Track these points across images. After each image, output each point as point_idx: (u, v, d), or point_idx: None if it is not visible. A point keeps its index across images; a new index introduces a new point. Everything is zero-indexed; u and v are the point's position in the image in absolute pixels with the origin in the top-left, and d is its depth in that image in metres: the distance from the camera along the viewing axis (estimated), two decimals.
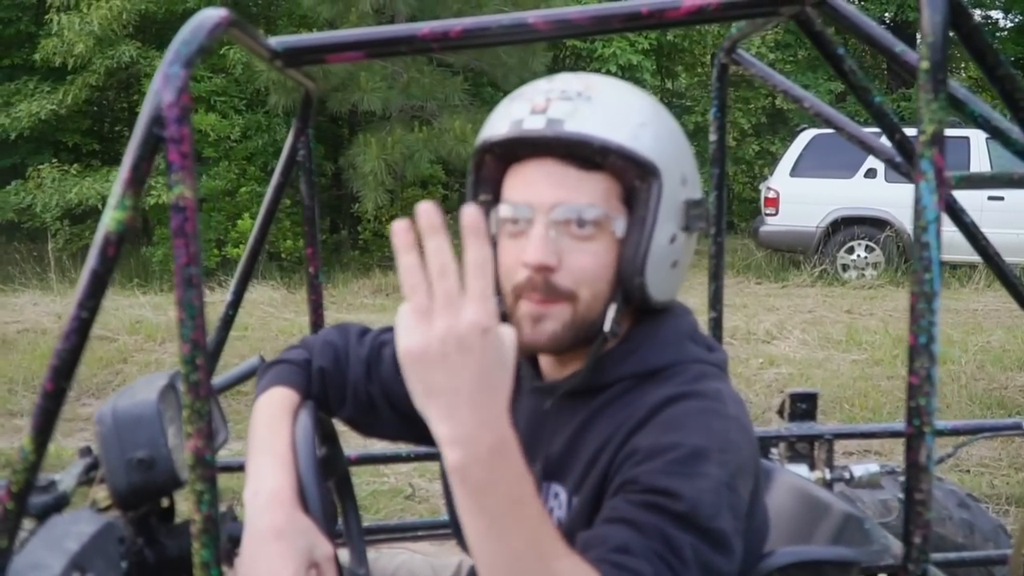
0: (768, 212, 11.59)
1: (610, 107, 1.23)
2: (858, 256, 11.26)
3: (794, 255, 11.92)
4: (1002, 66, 1.23)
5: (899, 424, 2.27)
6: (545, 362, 1.38)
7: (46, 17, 12.98)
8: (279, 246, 11.98)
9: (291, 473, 1.34)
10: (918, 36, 1.09)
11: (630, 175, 1.22)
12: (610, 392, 1.29)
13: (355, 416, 1.58)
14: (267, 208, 1.90)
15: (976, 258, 8.01)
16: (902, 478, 2.07)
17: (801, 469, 2.07)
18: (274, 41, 1.44)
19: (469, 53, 13.04)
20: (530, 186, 1.24)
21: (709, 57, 19.02)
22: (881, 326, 8.29)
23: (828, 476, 2.07)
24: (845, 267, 11.40)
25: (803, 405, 2.17)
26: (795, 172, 11.15)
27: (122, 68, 13.02)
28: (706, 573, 1.09)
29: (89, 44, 12.42)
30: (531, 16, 1.42)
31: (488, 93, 14.06)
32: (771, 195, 11.54)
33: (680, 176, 1.26)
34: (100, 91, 13.81)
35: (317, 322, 2.01)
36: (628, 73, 15.16)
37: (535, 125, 1.21)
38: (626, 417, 1.24)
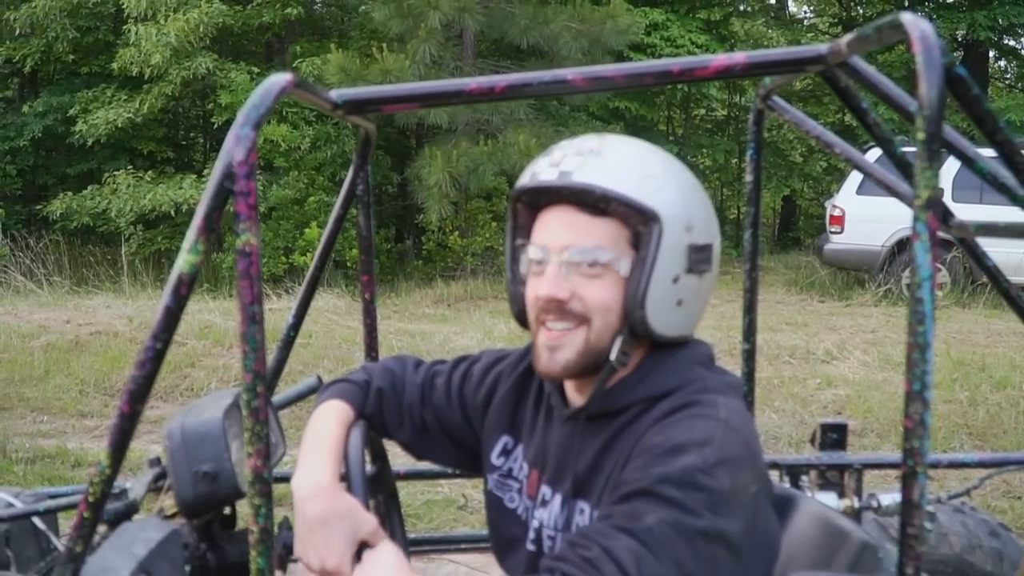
0: (833, 230, 11.47)
1: (616, 161, 1.38)
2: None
3: (859, 274, 11.78)
4: (1001, 131, 1.31)
5: (932, 454, 2.33)
6: (570, 392, 1.51)
7: (124, 28, 13.31)
8: (345, 255, 12.14)
9: (334, 465, 1.47)
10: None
11: (634, 220, 1.36)
12: (626, 415, 1.42)
13: (411, 439, 1.71)
14: (327, 238, 2.03)
15: None
16: (930, 508, 2.14)
17: (830, 497, 2.14)
18: (335, 94, 1.57)
19: (536, 66, 13.14)
20: (547, 230, 1.40)
21: None
22: (943, 348, 8.15)
23: (857, 504, 2.13)
24: (910, 287, 11.25)
25: (834, 435, 2.24)
26: (861, 190, 11.01)
27: (197, 79, 13.29)
28: (679, 535, 1.20)
29: (166, 55, 12.69)
30: (570, 73, 1.53)
31: (554, 108, 14.08)
32: (837, 213, 11.42)
33: (685, 223, 1.38)
34: (175, 100, 14.11)
35: (372, 344, 2.13)
36: (696, 88, 15.07)
37: (549, 177, 1.38)
38: (637, 435, 1.38)
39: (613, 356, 1.39)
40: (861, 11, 19.46)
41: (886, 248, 11.07)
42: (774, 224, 21.31)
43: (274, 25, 14.03)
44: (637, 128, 16.33)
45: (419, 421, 1.69)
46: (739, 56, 1.52)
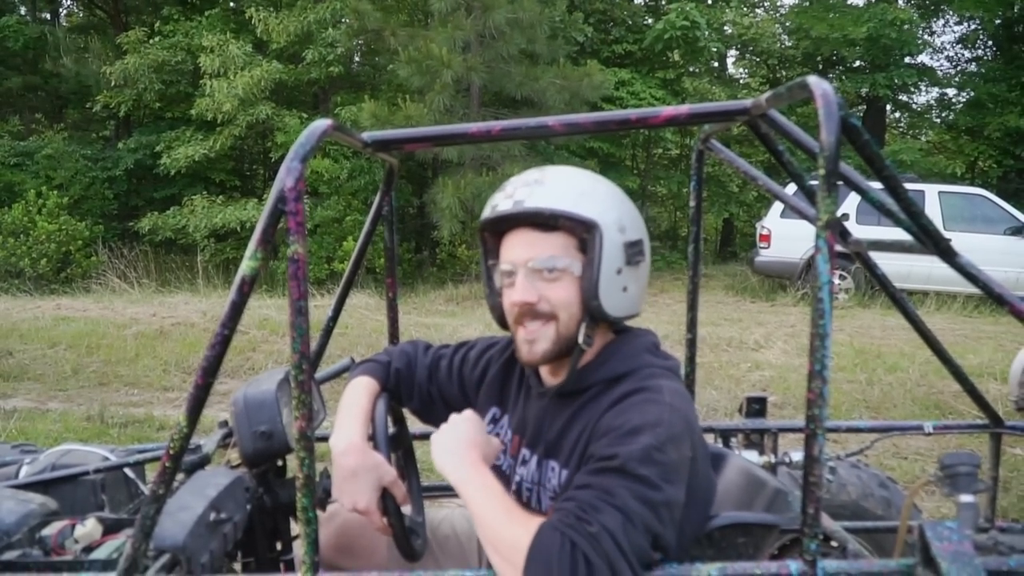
0: (762, 246, 11.49)
1: (556, 186, 1.41)
2: (834, 283, 11.14)
3: (782, 280, 11.80)
4: (887, 168, 1.33)
5: (830, 422, 2.34)
6: (544, 372, 1.53)
7: (201, 82, 13.26)
8: (375, 263, 12.13)
9: (363, 427, 1.50)
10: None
11: (578, 230, 1.39)
12: (588, 393, 1.44)
13: (420, 408, 1.74)
14: (359, 249, 2.04)
15: (929, 285, 7.91)
16: (831, 463, 2.15)
17: (753, 455, 2.15)
18: (366, 135, 1.59)
19: (528, 114, 13.14)
20: (511, 249, 1.43)
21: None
22: (847, 340, 8.18)
23: (773, 460, 2.13)
24: (812, 290, 11.27)
25: (756, 406, 2.25)
26: (784, 215, 11.02)
27: (259, 123, 13.24)
28: (646, 506, 1.22)
29: (234, 104, 12.68)
30: (550, 120, 1.56)
31: (542, 147, 14.08)
32: (765, 232, 11.44)
33: (618, 226, 1.40)
34: (241, 140, 14.03)
35: (394, 332, 2.14)
36: (655, 132, 15.05)
37: (506, 207, 1.41)
38: (598, 410, 1.39)
39: (581, 340, 1.41)
40: (785, 73, 19.50)
41: (803, 260, 11.10)
42: (716, 240, 21.27)
43: (320, 80, 14.00)
44: (608, 163, 16.30)
45: (426, 394, 1.71)
46: (683, 108, 1.54)
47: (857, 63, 17.67)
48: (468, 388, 1.69)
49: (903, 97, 19.17)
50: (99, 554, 1.44)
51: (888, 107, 19.41)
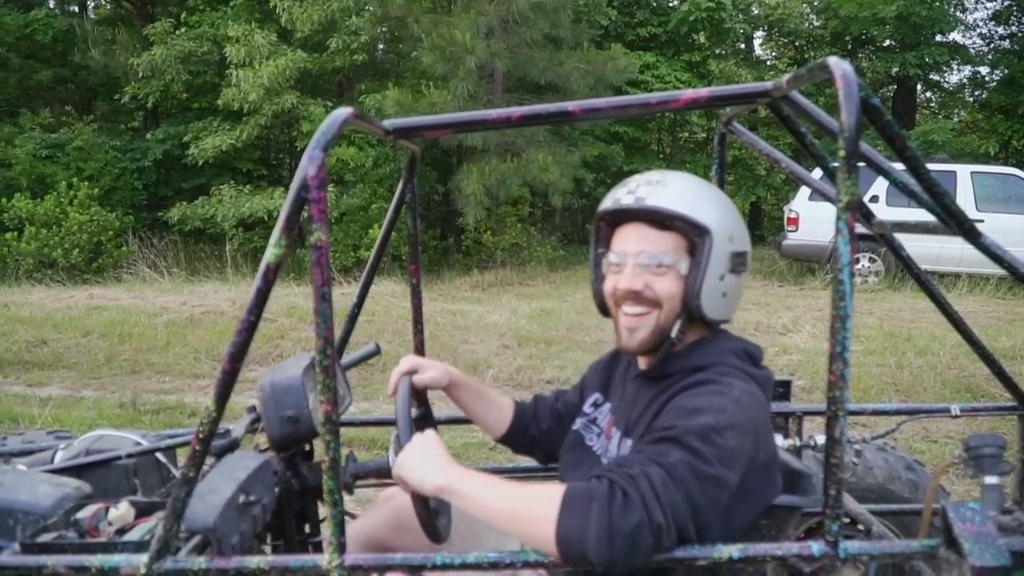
0: (790, 229, 11.38)
1: (678, 189, 1.49)
2: (863, 266, 10.98)
3: (810, 264, 11.68)
4: (908, 148, 1.32)
5: (855, 405, 2.33)
6: (640, 358, 1.59)
7: (226, 72, 13.34)
8: (400, 250, 12.17)
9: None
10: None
11: (691, 233, 1.46)
12: (670, 379, 1.50)
13: (552, 425, 1.85)
14: (382, 237, 2.06)
15: (960, 268, 7.78)
16: (856, 446, 2.14)
17: (778, 438, 2.14)
18: (387, 123, 1.60)
19: (552, 99, 13.09)
20: (625, 241, 1.51)
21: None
22: (878, 323, 8.08)
23: (798, 443, 2.13)
24: (833, 271, 11.15)
25: (780, 389, 2.24)
26: (813, 197, 10.90)
27: (284, 112, 13.29)
28: (693, 474, 1.26)
29: (260, 93, 12.73)
30: (570, 105, 1.55)
31: (566, 131, 14.03)
32: (792, 215, 11.32)
33: (728, 235, 1.47)
34: (267, 129, 14.08)
35: (418, 318, 2.15)
36: (680, 115, 14.91)
37: (628, 201, 1.49)
38: (670, 393, 1.45)
39: (674, 334, 1.48)
40: (812, 54, 19.21)
41: (832, 243, 10.99)
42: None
43: (344, 68, 14.03)
44: (633, 148, 16.22)
45: (555, 412, 1.86)
46: (703, 91, 1.53)
47: (887, 42, 17.37)
48: (586, 390, 1.79)
49: (934, 76, 18.81)
50: (132, 536, 1.47)
51: (919, 86, 19.08)
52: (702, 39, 16.87)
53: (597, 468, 1.33)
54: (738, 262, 1.48)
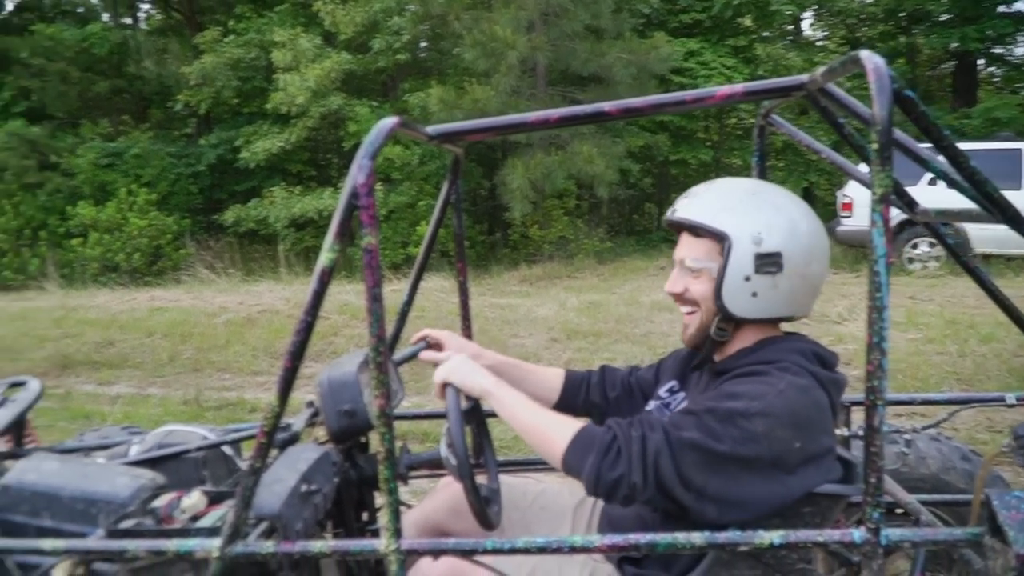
0: (844, 215, 11.15)
1: (705, 199, 1.59)
2: (922, 251, 10.73)
3: (865, 250, 11.45)
4: (945, 138, 1.34)
5: (902, 394, 2.33)
6: (716, 355, 1.68)
7: (274, 76, 13.65)
8: (448, 246, 12.29)
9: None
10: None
11: (718, 238, 1.54)
12: (735, 372, 1.56)
13: (620, 393, 1.95)
14: (429, 236, 2.13)
15: None
16: (907, 436, 2.14)
17: None
18: (430, 129, 1.67)
19: (595, 91, 13.07)
20: (677, 248, 1.66)
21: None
22: (938, 310, 7.89)
23: (847, 433, 2.14)
24: (911, 260, 10.86)
25: None
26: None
27: (331, 113, 13.55)
28: (694, 450, 1.40)
29: (307, 96, 13.01)
30: (607, 105, 1.60)
31: (610, 124, 13.97)
32: (847, 200, 11.10)
33: (753, 238, 1.52)
34: (315, 131, 14.34)
35: (466, 315, 2.23)
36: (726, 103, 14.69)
37: (669, 215, 1.64)
38: (728, 379, 1.54)
39: (712, 331, 1.59)
40: (865, 31, 18.77)
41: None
42: None
43: (388, 68, 14.22)
44: (679, 137, 16.07)
45: (627, 384, 1.94)
46: (738, 87, 1.56)
47: (944, 16, 16.85)
48: (662, 373, 1.89)
49: (997, 49, 18.16)
50: (205, 522, 1.58)
51: (980, 61, 18.47)
52: (748, 23, 16.64)
53: (618, 417, 1.52)
54: (764, 262, 1.51)
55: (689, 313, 1.63)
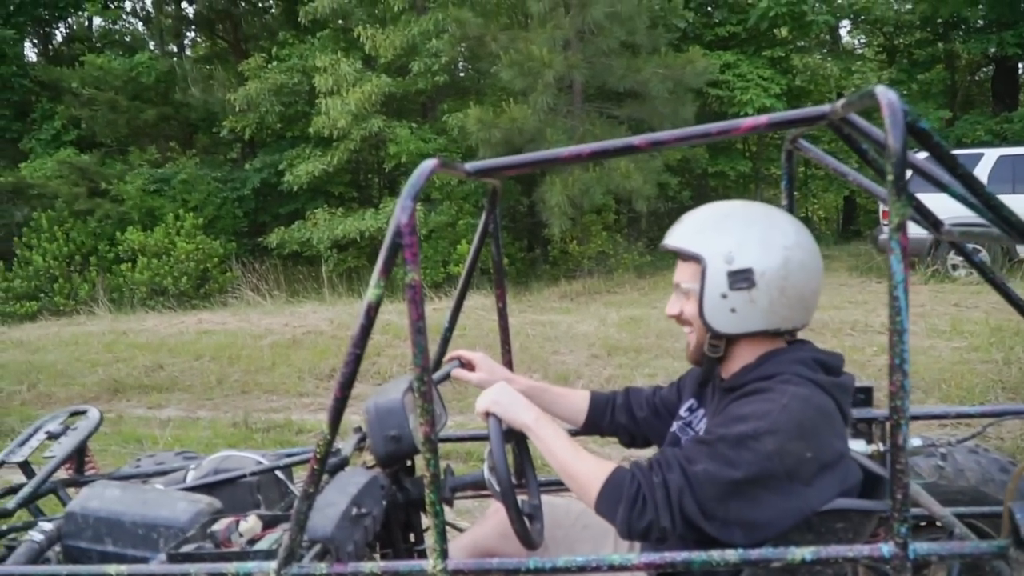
0: (886, 223, 10.99)
1: (685, 225, 1.68)
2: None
3: (910, 258, 11.30)
4: (960, 167, 1.39)
5: (936, 407, 2.34)
6: (723, 371, 1.73)
7: (316, 101, 13.92)
8: (489, 264, 12.34)
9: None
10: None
11: (696, 260, 1.60)
12: (741, 390, 1.61)
13: (647, 414, 2.02)
14: (469, 264, 2.21)
15: None
16: (942, 450, 2.16)
17: (861, 443, 2.18)
18: (468, 166, 1.75)
19: (632, 106, 13.12)
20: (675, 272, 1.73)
21: (835, 95, 18.16)
22: (983, 317, 7.77)
23: (882, 448, 2.17)
24: (955, 267, 10.70)
25: (862, 396, 2.28)
26: (910, 187, 10.58)
27: (372, 135, 13.74)
28: (710, 479, 1.48)
29: (348, 119, 13.22)
30: (635, 140, 1.66)
31: None
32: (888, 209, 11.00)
33: (725, 258, 1.57)
34: (356, 153, 14.56)
35: (506, 339, 2.30)
36: (763, 114, 14.59)
37: (662, 242, 1.72)
38: (732, 400, 1.61)
39: (706, 348, 1.66)
40: (902, 40, 18.57)
41: (932, 237, 10.58)
42: (838, 219, 20.49)
43: (427, 90, 14.42)
44: (717, 148, 16.03)
45: (652, 405, 2.02)
46: (762, 118, 1.61)
47: (980, 22, 16.62)
48: (682, 391, 1.96)
49: None
50: (261, 545, 1.67)
51: (1021, 65, 18.16)
52: (784, 33, 16.56)
53: (645, 461, 1.59)
54: (738, 279, 1.57)
55: (688, 333, 1.70)
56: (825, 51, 17.70)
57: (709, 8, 16.93)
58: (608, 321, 8.80)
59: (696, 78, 12.64)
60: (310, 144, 14.79)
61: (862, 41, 21.56)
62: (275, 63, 15.43)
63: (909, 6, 17.47)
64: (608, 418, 2.02)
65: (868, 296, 10.30)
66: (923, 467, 2.32)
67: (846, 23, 19.78)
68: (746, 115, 15.44)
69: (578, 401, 2.05)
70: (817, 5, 15.43)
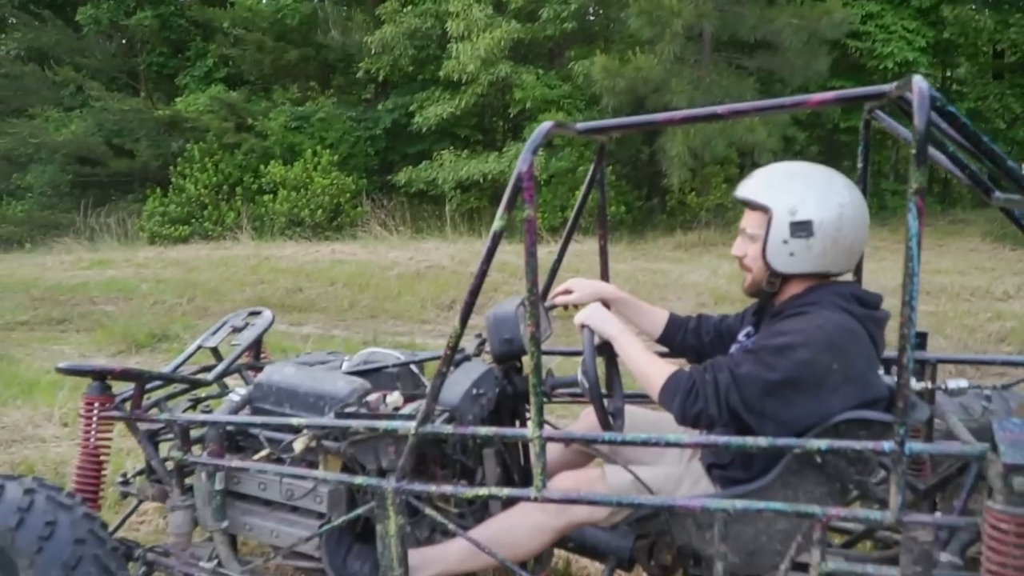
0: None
1: (755, 180, 2.01)
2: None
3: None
4: (984, 143, 1.68)
5: (985, 356, 2.61)
6: (776, 301, 2.07)
7: (447, 45, 14.45)
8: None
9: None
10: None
11: (763, 211, 1.95)
12: (784, 314, 1.98)
13: (714, 337, 2.38)
14: (576, 210, 2.63)
15: None
16: (986, 391, 2.45)
17: (912, 381, 2.47)
18: (579, 126, 2.17)
19: (763, 57, 12.94)
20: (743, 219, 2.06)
21: (989, 49, 17.06)
22: None
23: (931, 386, 2.44)
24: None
25: (917, 339, 2.55)
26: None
27: (499, 80, 14.17)
28: (753, 381, 1.85)
29: (477, 64, 13.69)
30: (720, 108, 2.04)
31: (778, 89, 13.75)
32: None
33: (789, 210, 1.91)
34: (483, 97, 15.00)
35: (604, 275, 2.70)
36: (905, 68, 14.02)
37: (734, 193, 2.05)
38: (777, 321, 1.98)
39: (764, 284, 2.02)
40: None
41: None
42: None
43: (555, 36, 14.65)
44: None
45: (717, 331, 2.39)
46: (830, 94, 1.94)
47: None
48: (744, 320, 2.33)
49: None
50: (405, 411, 2.19)
51: None
52: None
53: (696, 364, 2.01)
54: (798, 229, 1.89)
55: (748, 270, 2.02)
56: (979, 2, 16.66)
57: None
58: (719, 272, 9.01)
59: (833, 29, 12.32)
60: (439, 87, 15.29)
61: None
62: (410, 7, 15.93)
63: None
64: (680, 338, 2.40)
65: (997, 263, 10.04)
66: (974, 408, 2.59)
67: None
68: (886, 69, 14.90)
69: (658, 318, 2.43)
70: None
